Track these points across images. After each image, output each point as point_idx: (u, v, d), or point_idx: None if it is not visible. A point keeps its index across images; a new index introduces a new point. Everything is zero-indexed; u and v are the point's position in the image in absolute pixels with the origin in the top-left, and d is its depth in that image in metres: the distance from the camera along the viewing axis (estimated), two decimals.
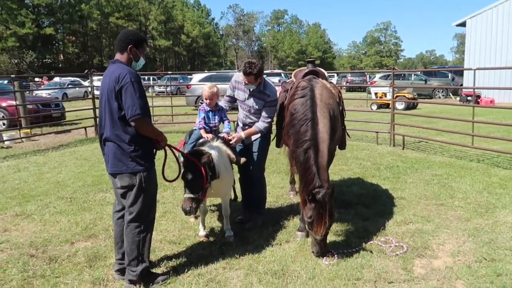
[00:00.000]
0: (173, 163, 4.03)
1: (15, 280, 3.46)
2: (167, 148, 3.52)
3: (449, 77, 28.22)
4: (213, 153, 3.82)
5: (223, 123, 4.61)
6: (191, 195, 3.58)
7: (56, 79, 32.65)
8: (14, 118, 11.65)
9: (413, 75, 26.50)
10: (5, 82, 24.28)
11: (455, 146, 8.92)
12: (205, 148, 3.87)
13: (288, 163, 5.20)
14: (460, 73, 27.91)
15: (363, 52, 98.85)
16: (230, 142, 4.29)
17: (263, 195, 4.87)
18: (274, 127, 5.03)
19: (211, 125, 4.49)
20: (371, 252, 3.86)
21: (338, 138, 4.58)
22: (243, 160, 4.38)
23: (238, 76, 4.60)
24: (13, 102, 11.39)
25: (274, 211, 5.18)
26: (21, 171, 7.51)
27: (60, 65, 60.68)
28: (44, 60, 57.34)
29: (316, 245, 3.74)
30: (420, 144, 9.59)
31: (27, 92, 17.90)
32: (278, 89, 5.56)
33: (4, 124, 12.43)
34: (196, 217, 4.80)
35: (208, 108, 4.49)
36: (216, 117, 4.52)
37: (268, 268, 3.58)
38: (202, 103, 4.61)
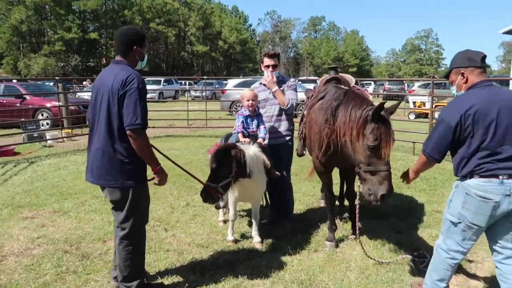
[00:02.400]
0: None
1: (49, 274, 3.59)
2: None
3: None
4: (247, 152, 3.81)
5: (259, 128, 4.60)
6: (210, 184, 3.60)
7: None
8: (57, 118, 12.19)
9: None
10: (51, 84, 25.51)
11: None
12: (241, 146, 3.88)
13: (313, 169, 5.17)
14: (505, 83, 26.61)
15: (402, 60, 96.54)
16: (266, 82, 4.52)
17: (292, 199, 4.87)
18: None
19: (250, 130, 4.49)
20: (403, 266, 3.72)
21: None
22: (277, 174, 4.40)
23: (252, 86, 4.88)
24: (57, 103, 11.94)
25: (303, 219, 5.10)
26: (61, 169, 7.82)
27: (102, 69, 63.02)
28: (87, 64, 59.91)
29: (384, 182, 3.15)
30: None
31: (70, 93, 18.71)
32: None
33: (47, 124, 13.03)
34: (225, 222, 4.82)
35: (247, 113, 4.48)
36: (254, 122, 4.52)
37: (295, 277, 3.52)
38: (239, 109, 4.66)
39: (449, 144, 2.76)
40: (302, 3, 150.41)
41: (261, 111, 4.70)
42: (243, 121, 4.43)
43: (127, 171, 2.91)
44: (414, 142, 9.59)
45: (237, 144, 3.97)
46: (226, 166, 3.63)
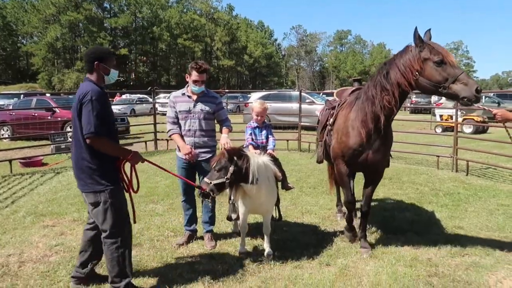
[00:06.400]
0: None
1: (63, 281, 3.68)
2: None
3: None
4: (253, 159, 3.82)
5: (268, 139, 4.65)
6: (205, 179, 3.74)
7: (123, 96, 34.97)
8: None
9: (484, 96, 24.82)
10: None
11: None
12: (248, 153, 3.90)
13: (328, 179, 5.30)
14: None
15: None
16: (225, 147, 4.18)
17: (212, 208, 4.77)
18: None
19: (259, 141, 4.55)
20: (417, 282, 3.59)
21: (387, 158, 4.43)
22: (292, 185, 4.43)
23: (174, 94, 4.62)
24: None
25: (318, 232, 5.02)
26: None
27: (131, 83, 64.99)
28: (117, 78, 61.72)
29: (469, 81, 3.44)
30: (487, 171, 8.86)
31: None
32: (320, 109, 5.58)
33: None
34: (238, 234, 4.81)
35: (255, 125, 4.57)
36: (263, 133, 4.58)
37: None
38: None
39: None
40: (327, 18, 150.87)
41: (182, 122, 4.46)
42: (251, 132, 4.48)
43: (95, 177, 3.20)
44: (439, 156, 9.31)
45: (245, 150, 3.99)
46: (224, 167, 3.69)
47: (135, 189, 3.49)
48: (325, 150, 4.89)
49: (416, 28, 3.65)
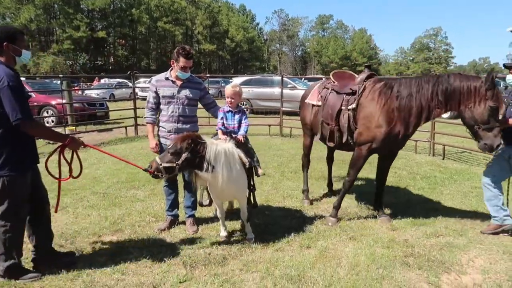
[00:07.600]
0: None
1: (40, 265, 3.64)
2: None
3: (501, 86, 26.62)
4: (212, 146, 3.70)
5: (241, 125, 4.49)
6: (156, 159, 3.68)
7: (102, 80, 34.22)
8: (62, 115, 12.27)
9: None
10: (58, 82, 25.73)
11: None
12: (207, 140, 3.78)
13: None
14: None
15: (411, 58, 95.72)
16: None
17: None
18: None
19: (230, 126, 4.36)
20: (393, 263, 3.71)
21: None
22: (261, 172, 4.35)
23: (156, 78, 4.59)
24: (61, 101, 12.04)
25: (299, 215, 5.11)
26: (63, 166, 7.87)
27: (110, 67, 63.55)
28: (95, 62, 60.38)
29: (498, 135, 3.91)
30: (462, 155, 9.12)
31: (79, 92, 18.92)
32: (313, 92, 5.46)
33: (52, 121, 13.15)
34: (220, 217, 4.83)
35: (228, 109, 4.40)
36: (236, 118, 4.39)
37: (285, 273, 3.53)
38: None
39: None
40: (310, 2, 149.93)
41: (164, 108, 4.46)
42: (223, 117, 4.35)
43: None
44: (416, 141, 9.50)
45: (206, 138, 3.85)
46: (178, 152, 3.61)
47: (77, 174, 3.74)
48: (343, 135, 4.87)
49: (492, 72, 3.98)
